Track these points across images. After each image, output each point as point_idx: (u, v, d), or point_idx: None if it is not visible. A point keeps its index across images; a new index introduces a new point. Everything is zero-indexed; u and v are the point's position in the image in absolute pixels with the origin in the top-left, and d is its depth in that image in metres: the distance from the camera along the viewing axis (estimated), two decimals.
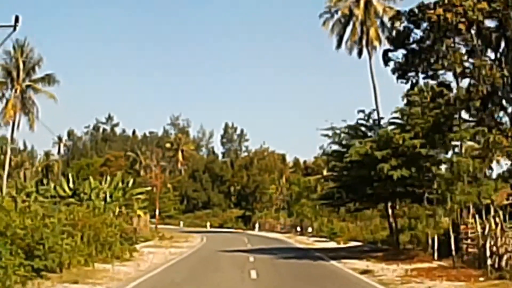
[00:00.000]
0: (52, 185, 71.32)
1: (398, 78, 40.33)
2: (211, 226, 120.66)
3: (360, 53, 70.82)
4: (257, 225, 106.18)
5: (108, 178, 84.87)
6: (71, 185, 69.85)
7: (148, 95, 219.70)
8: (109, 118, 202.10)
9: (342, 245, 56.05)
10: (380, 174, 37.34)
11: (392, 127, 40.99)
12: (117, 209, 73.79)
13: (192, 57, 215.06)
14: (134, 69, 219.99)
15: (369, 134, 43.95)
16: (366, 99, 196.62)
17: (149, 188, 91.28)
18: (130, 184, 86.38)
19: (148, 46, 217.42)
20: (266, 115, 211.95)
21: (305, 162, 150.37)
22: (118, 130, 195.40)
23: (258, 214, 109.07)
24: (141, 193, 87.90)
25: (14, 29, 26.45)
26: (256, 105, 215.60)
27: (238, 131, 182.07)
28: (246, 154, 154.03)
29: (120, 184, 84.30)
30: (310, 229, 78.53)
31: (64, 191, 69.64)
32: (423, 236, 39.49)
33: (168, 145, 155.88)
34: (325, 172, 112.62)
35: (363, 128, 43.99)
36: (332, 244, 59.11)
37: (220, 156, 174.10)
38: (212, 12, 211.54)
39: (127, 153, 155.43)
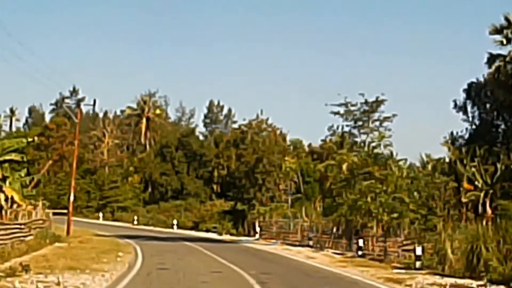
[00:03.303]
0: None
1: None
2: (179, 227, 69.72)
3: None
4: (258, 229, 55.10)
5: None
6: None
7: (121, 70, 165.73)
8: (74, 91, 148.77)
9: None
10: None
11: None
12: None
13: (172, 25, 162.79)
14: (104, 39, 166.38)
15: None
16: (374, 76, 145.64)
17: (31, 139, 40.68)
18: None
19: (121, 13, 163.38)
20: (258, 91, 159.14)
21: (310, 145, 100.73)
22: (85, 108, 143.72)
23: (261, 209, 57.82)
24: (15, 150, 37.28)
25: None
26: (246, 80, 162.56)
27: (225, 110, 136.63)
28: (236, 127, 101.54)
29: None
30: (419, 250, 27.41)
31: None
32: None
33: (128, 110, 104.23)
34: (337, 157, 65.68)
35: None
36: None
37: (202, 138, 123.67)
38: None
39: (92, 132, 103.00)
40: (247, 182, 62.00)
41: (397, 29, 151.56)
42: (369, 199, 39.25)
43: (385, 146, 40.98)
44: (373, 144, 41.31)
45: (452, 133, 69.32)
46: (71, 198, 48.22)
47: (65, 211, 51.56)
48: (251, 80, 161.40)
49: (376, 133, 40.91)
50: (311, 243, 46.34)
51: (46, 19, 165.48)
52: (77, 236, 44.74)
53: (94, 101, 45.97)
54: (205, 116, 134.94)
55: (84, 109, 48.44)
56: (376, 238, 39.64)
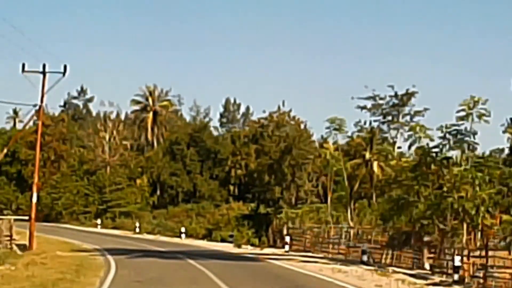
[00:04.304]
0: None
1: None
2: (188, 235, 56.34)
3: None
4: (287, 238, 41.14)
5: None
6: None
7: (132, 68, 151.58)
8: (82, 91, 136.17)
9: None
10: None
11: None
12: None
13: (185, 21, 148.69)
14: (115, 36, 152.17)
15: None
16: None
17: None
18: None
19: (133, 11, 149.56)
20: (278, 87, 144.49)
21: (335, 142, 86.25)
22: (95, 108, 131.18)
23: (290, 212, 44.07)
24: None
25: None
26: (264, 76, 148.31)
27: (243, 109, 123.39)
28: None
29: None
30: None
31: None
32: None
33: (133, 104, 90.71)
34: (367, 155, 53.83)
35: None
36: None
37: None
38: None
39: (100, 133, 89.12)
40: (271, 178, 48.04)
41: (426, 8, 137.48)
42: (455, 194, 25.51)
43: (480, 116, 27.16)
44: (461, 113, 27.45)
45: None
46: (34, 199, 34.75)
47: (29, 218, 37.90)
48: (269, 75, 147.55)
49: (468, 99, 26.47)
50: (365, 258, 32.57)
51: (55, 19, 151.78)
52: (39, 253, 31.43)
53: (65, 66, 31.14)
54: (221, 115, 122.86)
55: (49, 75, 33.30)
56: (467, 251, 25.98)
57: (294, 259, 32.53)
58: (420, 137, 28.90)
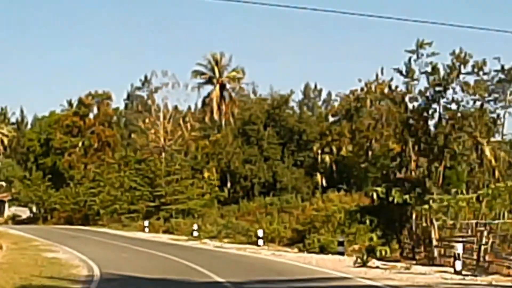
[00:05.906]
0: None
1: None
2: (269, 240, 36.63)
3: None
4: (459, 248, 20.55)
5: None
6: None
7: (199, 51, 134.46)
8: (146, 81, 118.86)
9: None
10: None
11: None
12: None
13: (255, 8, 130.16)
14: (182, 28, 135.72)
15: None
16: None
17: None
18: None
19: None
20: (364, 69, 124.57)
21: None
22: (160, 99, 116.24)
23: (445, 200, 23.77)
24: None
25: None
26: (348, 56, 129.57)
27: (324, 95, 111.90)
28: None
29: None
30: None
31: None
32: None
33: (197, 77, 71.40)
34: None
35: None
36: None
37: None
38: None
39: (153, 110, 71.04)
40: (405, 146, 27.20)
41: None
42: None
43: None
44: None
45: None
46: None
47: None
48: (354, 55, 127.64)
49: None
50: None
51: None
52: None
53: None
54: (300, 102, 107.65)
55: None
56: None
57: None
58: None
